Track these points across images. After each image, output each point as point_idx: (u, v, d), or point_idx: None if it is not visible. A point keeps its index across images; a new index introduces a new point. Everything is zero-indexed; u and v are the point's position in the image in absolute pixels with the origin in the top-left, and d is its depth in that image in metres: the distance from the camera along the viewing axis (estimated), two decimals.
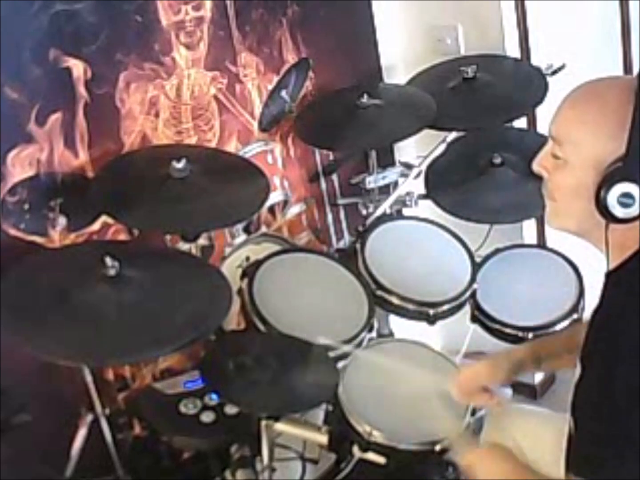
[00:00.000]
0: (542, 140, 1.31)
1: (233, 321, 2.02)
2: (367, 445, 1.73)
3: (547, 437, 1.53)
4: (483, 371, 1.64)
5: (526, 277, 2.26)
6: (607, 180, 1.17)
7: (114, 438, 1.95)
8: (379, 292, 2.06)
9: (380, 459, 1.75)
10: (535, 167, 1.30)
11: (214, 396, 1.90)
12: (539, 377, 2.87)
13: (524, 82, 2.37)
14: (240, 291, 1.94)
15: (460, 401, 1.69)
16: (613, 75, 1.26)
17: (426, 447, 1.73)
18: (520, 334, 2.13)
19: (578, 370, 1.26)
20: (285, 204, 2.42)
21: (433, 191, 2.34)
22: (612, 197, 1.17)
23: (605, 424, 1.16)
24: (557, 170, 1.26)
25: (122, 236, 2.03)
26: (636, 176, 1.15)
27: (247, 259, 2.11)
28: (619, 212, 1.18)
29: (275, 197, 2.34)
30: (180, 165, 1.87)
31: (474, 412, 1.77)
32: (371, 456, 1.75)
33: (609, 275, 1.26)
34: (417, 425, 1.77)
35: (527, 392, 2.83)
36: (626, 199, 1.16)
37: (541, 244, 2.67)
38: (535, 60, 2.52)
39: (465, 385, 1.67)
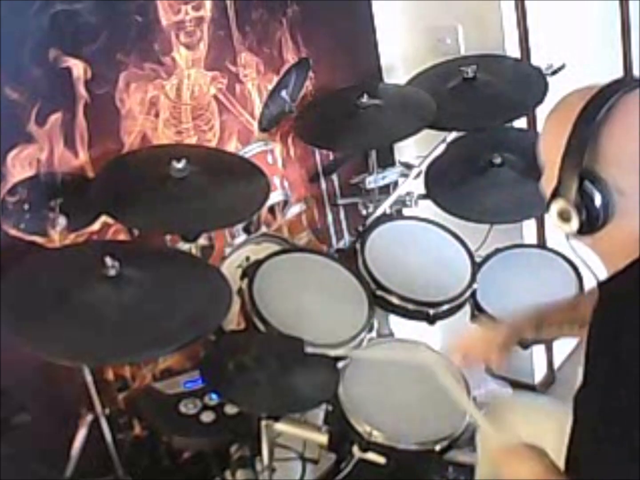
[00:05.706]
0: None
1: (233, 321, 2.02)
2: (367, 445, 1.73)
3: (549, 434, 1.52)
4: (484, 334, 1.73)
5: (526, 277, 2.25)
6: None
7: (114, 438, 1.95)
8: (379, 292, 2.06)
9: (380, 459, 1.75)
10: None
11: (214, 396, 1.90)
12: (539, 377, 2.87)
13: (524, 82, 2.36)
14: (240, 291, 1.93)
15: (456, 362, 1.76)
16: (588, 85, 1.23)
17: (426, 447, 1.74)
18: None
19: (579, 378, 1.26)
20: (285, 204, 2.41)
21: (433, 191, 2.34)
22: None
23: (604, 441, 1.16)
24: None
25: (122, 236, 2.03)
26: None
27: (247, 259, 2.11)
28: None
29: (275, 197, 2.33)
30: (180, 165, 1.87)
31: None
32: (371, 456, 1.75)
33: (600, 286, 1.27)
34: (416, 425, 1.77)
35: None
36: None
37: (541, 244, 2.67)
38: (535, 60, 2.51)
39: (465, 345, 1.73)
